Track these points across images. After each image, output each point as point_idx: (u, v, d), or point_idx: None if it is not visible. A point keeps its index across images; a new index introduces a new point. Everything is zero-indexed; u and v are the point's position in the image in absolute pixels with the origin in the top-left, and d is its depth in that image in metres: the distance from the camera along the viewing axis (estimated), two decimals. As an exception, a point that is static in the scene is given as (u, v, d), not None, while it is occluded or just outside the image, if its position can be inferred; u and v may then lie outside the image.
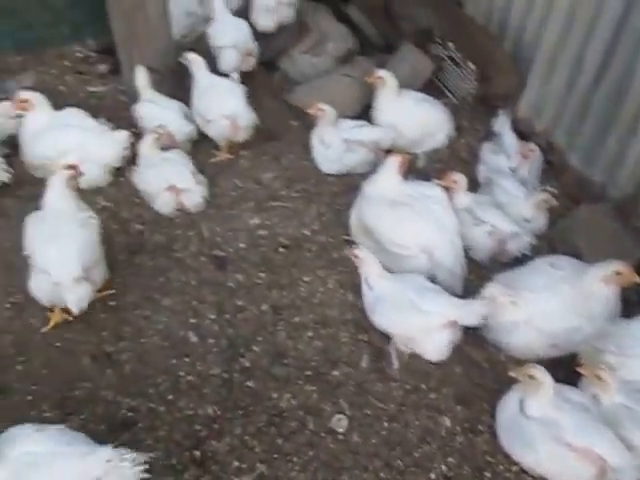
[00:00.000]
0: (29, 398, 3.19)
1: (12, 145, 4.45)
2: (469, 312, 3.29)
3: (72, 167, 3.52)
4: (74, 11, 5.96)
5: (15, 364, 3.36)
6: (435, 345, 3.37)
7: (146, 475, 2.47)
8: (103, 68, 5.56)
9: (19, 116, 4.38)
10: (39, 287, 3.41)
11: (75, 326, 3.52)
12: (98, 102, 5.13)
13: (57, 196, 3.50)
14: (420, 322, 3.32)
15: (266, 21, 5.35)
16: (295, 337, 3.52)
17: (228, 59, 5.11)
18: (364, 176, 4.34)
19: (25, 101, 4.27)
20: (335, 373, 3.35)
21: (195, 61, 4.65)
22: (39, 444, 2.49)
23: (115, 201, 4.27)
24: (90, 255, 3.41)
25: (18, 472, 2.41)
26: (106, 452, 2.42)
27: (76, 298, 3.31)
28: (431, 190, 3.86)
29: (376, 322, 3.47)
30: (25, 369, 3.34)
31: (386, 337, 3.47)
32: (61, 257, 3.29)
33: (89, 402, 3.19)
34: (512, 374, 3.05)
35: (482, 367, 3.45)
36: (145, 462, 2.46)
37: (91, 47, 5.84)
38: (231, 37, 5.12)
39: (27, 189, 4.29)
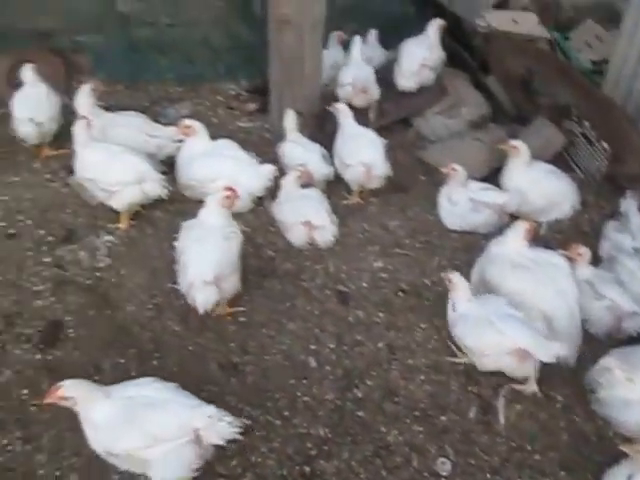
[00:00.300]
0: (162, 391, 3.54)
1: (169, 165, 4.96)
2: (545, 347, 3.40)
3: (230, 189, 3.92)
4: (231, 53, 6.61)
5: (152, 359, 3.72)
6: (505, 369, 3.55)
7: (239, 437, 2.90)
8: (252, 106, 6.10)
9: (180, 140, 4.91)
10: (183, 283, 3.78)
11: (207, 334, 3.86)
12: (245, 136, 5.61)
13: (211, 211, 3.90)
14: (493, 340, 3.51)
15: (408, 82, 5.73)
16: (407, 378, 3.69)
17: (342, 93, 5.63)
18: (486, 236, 4.54)
19: (189, 127, 4.78)
20: (443, 418, 3.48)
21: (343, 111, 5.04)
22: (158, 391, 2.97)
23: (252, 227, 4.65)
24: (225, 265, 3.75)
25: (134, 409, 2.86)
26: (210, 409, 2.89)
27: (202, 299, 3.66)
28: (555, 259, 3.97)
29: (455, 335, 3.72)
30: (160, 364, 3.70)
31: (496, 392, 3.59)
32: (199, 260, 3.67)
33: (213, 404, 3.48)
34: (623, 449, 3.07)
35: (590, 439, 3.47)
36: (239, 427, 2.89)
37: (243, 86, 6.43)
38: (352, 74, 5.63)
39: (176, 205, 4.77)
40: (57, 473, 3.11)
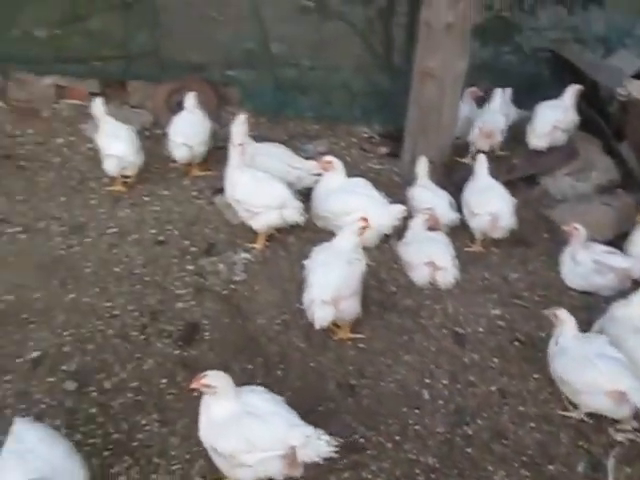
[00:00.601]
0: (284, 399, 3.80)
1: (304, 195, 5.34)
2: None
3: (365, 220, 4.24)
4: (367, 98, 7.02)
5: (277, 369, 4.04)
6: (601, 409, 3.63)
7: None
8: (383, 150, 6.45)
9: (318, 174, 5.31)
10: (306, 300, 4.10)
11: (328, 354, 4.14)
12: (375, 177, 5.92)
13: (344, 237, 4.23)
14: (591, 378, 3.58)
15: (539, 141, 5.89)
16: (517, 423, 3.78)
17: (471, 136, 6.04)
18: (606, 299, 4.58)
19: (329, 163, 5.17)
20: (550, 467, 3.54)
21: (482, 161, 5.27)
22: (265, 402, 3.20)
23: (377, 262, 4.92)
24: (345, 287, 4.03)
25: (241, 414, 3.11)
26: (309, 430, 3.07)
27: (319, 316, 3.96)
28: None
29: (553, 369, 3.82)
30: (283, 375, 4.00)
31: (606, 451, 3.61)
32: (321, 280, 3.99)
33: (330, 419, 3.73)
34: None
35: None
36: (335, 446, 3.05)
37: (376, 130, 6.80)
38: (483, 119, 6.01)
39: (308, 233, 5.12)
40: (187, 456, 3.44)
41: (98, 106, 5.49)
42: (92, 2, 6.61)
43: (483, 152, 5.62)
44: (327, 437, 3.07)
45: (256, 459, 3.07)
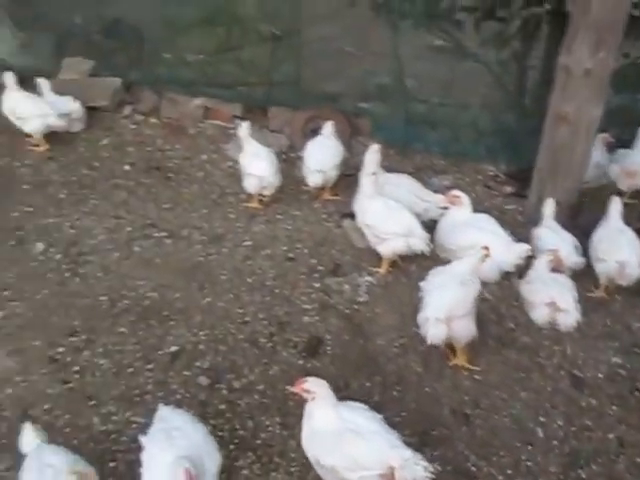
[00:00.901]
0: (397, 419, 3.98)
1: (429, 227, 5.50)
2: None
3: (486, 249, 4.37)
4: (494, 136, 7.10)
5: (393, 390, 4.22)
6: None
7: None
8: (508, 189, 6.50)
9: (445, 207, 5.48)
10: (421, 319, 4.28)
11: (444, 382, 4.27)
12: (499, 215, 5.95)
13: (462, 262, 4.40)
14: None
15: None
16: (634, 474, 3.74)
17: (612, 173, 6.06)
18: None
19: (457, 198, 5.33)
20: (667, 524, 3.50)
21: (616, 205, 5.23)
22: (367, 420, 3.33)
23: (496, 297, 5.01)
24: (458, 307, 4.16)
25: (338, 431, 3.25)
26: (408, 452, 3.16)
27: (432, 334, 4.15)
28: None
29: None
30: (399, 396, 4.18)
31: None
32: (436, 300, 4.17)
33: (443, 444, 3.85)
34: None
35: None
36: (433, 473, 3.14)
37: (501, 169, 6.85)
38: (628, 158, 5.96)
39: (429, 262, 5.20)
40: (304, 461, 3.61)
41: (245, 129, 5.95)
42: (246, 34, 7.19)
43: (619, 194, 5.59)
44: (425, 463, 3.16)
45: (357, 476, 3.22)
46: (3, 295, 4.78)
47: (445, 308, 4.11)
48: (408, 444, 3.59)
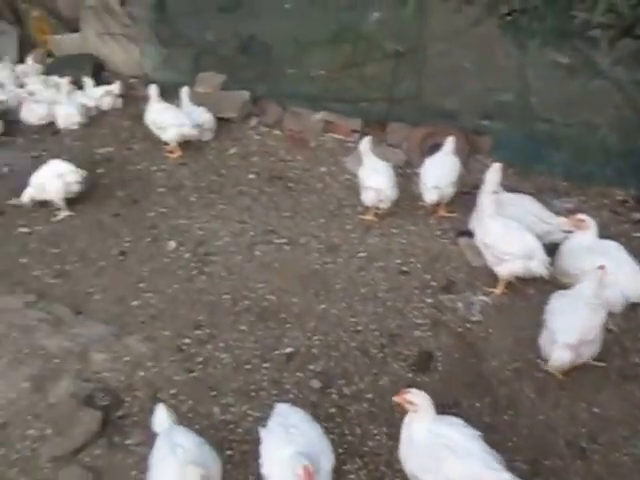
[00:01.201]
0: (509, 444, 3.88)
1: (549, 250, 5.31)
2: None
3: (602, 268, 4.30)
4: (623, 160, 6.75)
5: (504, 413, 4.11)
6: None
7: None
8: (638, 216, 6.19)
9: (568, 231, 5.29)
10: (544, 343, 4.28)
11: (559, 412, 4.10)
12: (625, 242, 5.63)
13: (587, 285, 4.30)
14: None
15: None
16: None
17: None
18: None
19: (582, 221, 5.13)
20: None
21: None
22: (464, 437, 3.26)
23: (621, 329, 4.71)
24: (586, 333, 4.10)
25: (433, 446, 3.22)
26: (505, 475, 3.06)
27: (558, 357, 4.12)
28: None
29: None
30: (511, 420, 4.06)
31: None
32: (565, 324, 4.11)
33: (556, 475, 3.70)
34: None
35: None
36: None
37: (630, 194, 6.53)
38: None
39: (549, 287, 4.95)
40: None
41: (366, 143, 6.06)
42: (371, 51, 7.34)
43: None
44: None
45: None
46: (139, 287, 5.21)
47: (576, 332, 4.06)
48: (519, 471, 3.56)
